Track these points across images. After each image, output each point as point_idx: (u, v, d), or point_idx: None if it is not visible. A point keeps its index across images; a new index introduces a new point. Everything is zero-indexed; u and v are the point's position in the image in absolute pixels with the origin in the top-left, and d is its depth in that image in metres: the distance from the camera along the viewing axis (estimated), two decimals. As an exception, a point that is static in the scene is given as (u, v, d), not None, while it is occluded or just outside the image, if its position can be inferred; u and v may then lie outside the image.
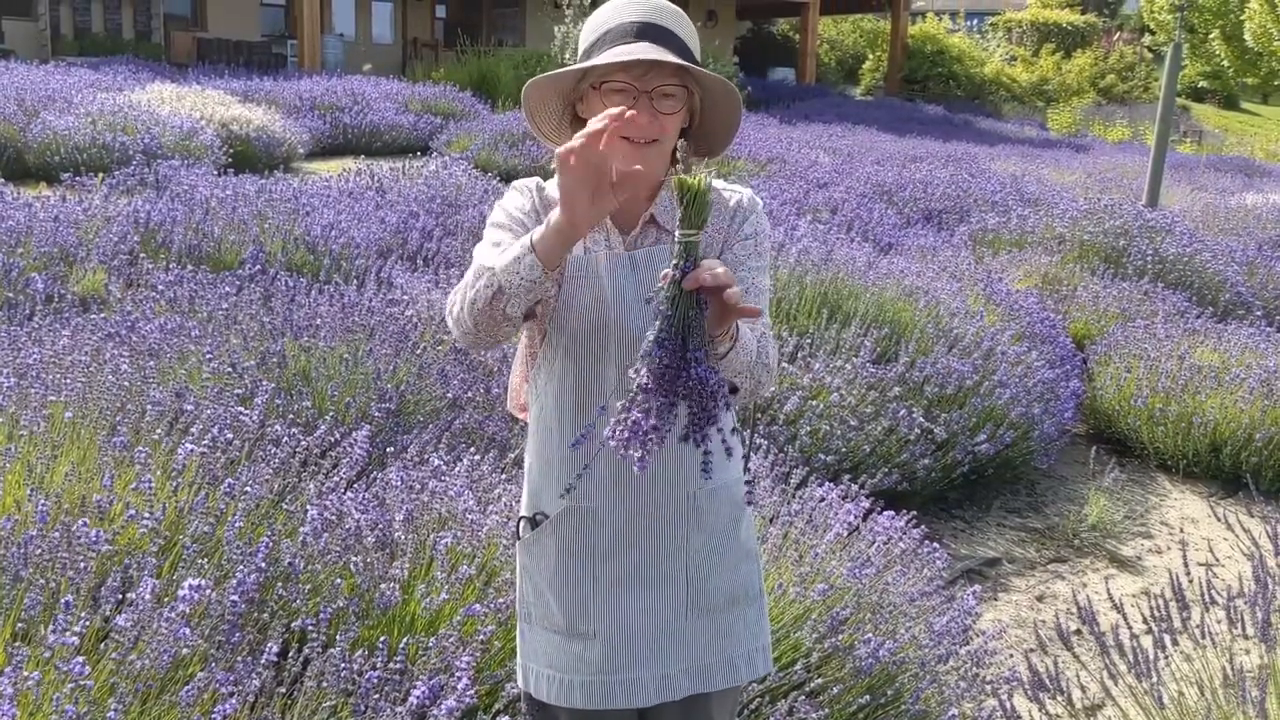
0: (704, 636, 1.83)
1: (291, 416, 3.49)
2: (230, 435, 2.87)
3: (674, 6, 1.76)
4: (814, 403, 4.42)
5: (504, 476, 3.18)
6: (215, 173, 8.29)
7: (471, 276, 1.64)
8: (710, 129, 1.81)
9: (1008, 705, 2.68)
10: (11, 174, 9.42)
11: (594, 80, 1.71)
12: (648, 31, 1.69)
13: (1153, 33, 34.17)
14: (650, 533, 1.79)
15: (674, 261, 1.47)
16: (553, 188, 1.75)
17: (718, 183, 1.89)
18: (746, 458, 1.97)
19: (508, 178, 10.09)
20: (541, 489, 1.85)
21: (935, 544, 3.45)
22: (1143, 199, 10.37)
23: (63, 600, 1.97)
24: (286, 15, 23.57)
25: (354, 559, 2.56)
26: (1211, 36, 28.85)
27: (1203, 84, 33.99)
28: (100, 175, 7.60)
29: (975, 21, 36.97)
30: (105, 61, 17.11)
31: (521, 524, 1.88)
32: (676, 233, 1.46)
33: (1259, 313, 7.69)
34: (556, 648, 1.83)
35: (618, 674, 1.78)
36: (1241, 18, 27.19)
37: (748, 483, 1.65)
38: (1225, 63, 29.05)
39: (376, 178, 8.60)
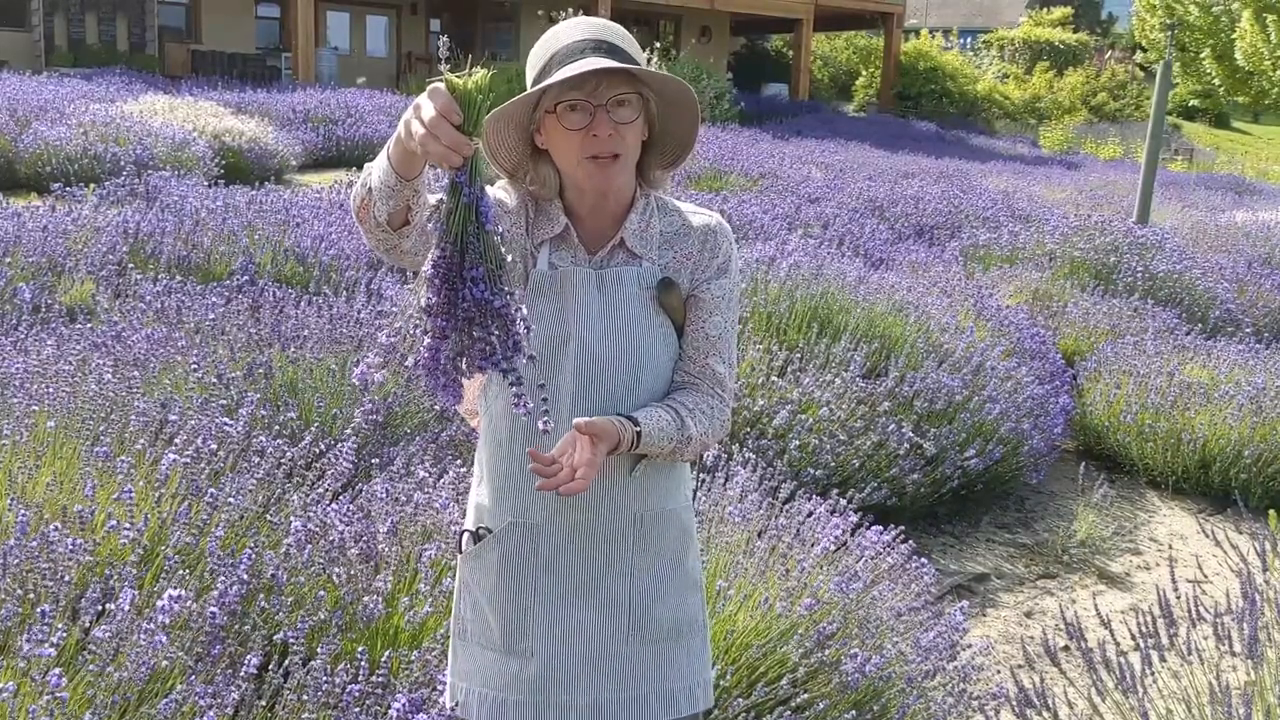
0: (644, 666, 1.79)
1: (277, 428, 3.47)
2: (215, 446, 2.85)
3: (617, 26, 1.76)
4: (803, 417, 4.42)
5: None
6: (206, 184, 8.28)
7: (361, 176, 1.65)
8: (671, 133, 1.78)
9: (994, 721, 2.67)
10: (2, 184, 9.42)
11: (548, 104, 1.69)
12: (594, 48, 1.68)
13: (1144, 51, 34.36)
14: (594, 552, 1.76)
15: (452, 174, 1.42)
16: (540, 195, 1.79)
17: (684, 205, 1.87)
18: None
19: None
20: (486, 502, 1.82)
21: (924, 559, 3.44)
22: (1133, 216, 10.41)
23: (39, 610, 1.95)
24: (281, 28, 23.63)
25: (338, 571, 2.54)
26: (1203, 55, 28.98)
27: (1194, 102, 34.19)
28: (91, 186, 7.59)
29: (968, 39, 37.15)
30: (99, 73, 17.16)
31: (464, 537, 1.85)
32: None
33: (1248, 329, 7.71)
34: (492, 666, 1.79)
35: (552, 695, 1.76)
36: (1232, 37, 27.32)
37: None
38: (1216, 81, 29.19)
39: (368, 190, 8.57)
